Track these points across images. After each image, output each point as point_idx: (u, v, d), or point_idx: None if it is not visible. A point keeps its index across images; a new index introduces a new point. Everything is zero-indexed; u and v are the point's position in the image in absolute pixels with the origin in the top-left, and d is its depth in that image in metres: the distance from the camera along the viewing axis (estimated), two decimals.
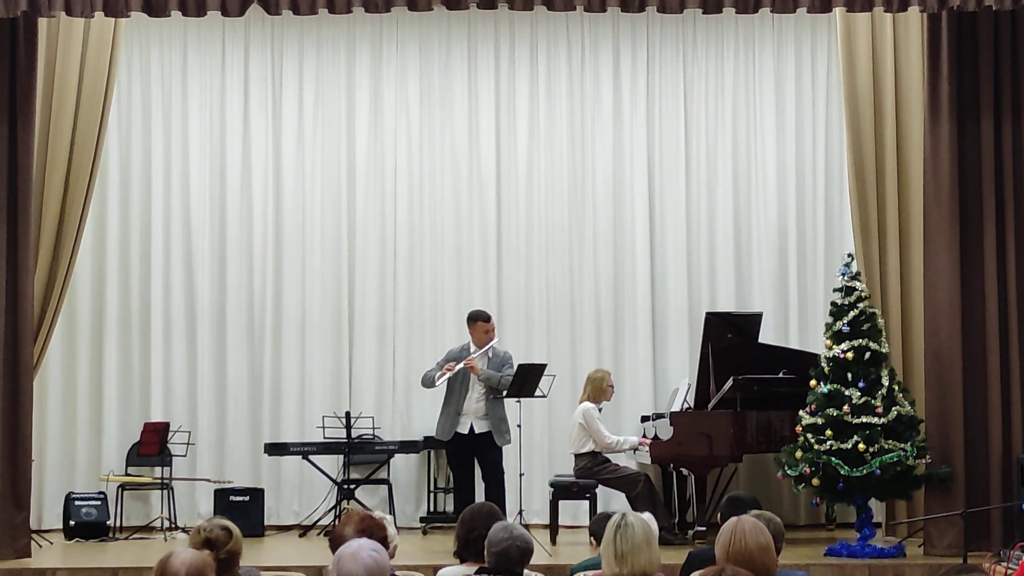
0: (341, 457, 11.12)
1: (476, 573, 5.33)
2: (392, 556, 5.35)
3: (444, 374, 10.20)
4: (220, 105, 11.71)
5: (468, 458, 10.31)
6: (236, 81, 11.74)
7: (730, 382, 10.05)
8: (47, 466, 11.16)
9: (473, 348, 10.34)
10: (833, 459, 9.14)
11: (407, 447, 11.17)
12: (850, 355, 9.32)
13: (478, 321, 10.38)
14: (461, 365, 10.18)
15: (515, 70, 11.82)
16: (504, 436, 10.21)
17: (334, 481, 11.05)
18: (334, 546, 4.72)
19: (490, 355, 10.34)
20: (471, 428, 10.22)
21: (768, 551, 4.58)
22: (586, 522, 10.31)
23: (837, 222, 11.56)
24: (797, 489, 9.66)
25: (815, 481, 9.25)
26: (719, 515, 5.93)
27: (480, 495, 10.19)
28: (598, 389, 10.40)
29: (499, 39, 11.82)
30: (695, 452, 10.02)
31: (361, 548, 4.27)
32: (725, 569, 3.89)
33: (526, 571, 5.40)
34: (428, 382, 10.38)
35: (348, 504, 10.77)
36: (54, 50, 9.98)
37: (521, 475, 10.20)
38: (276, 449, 11.09)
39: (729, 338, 10.53)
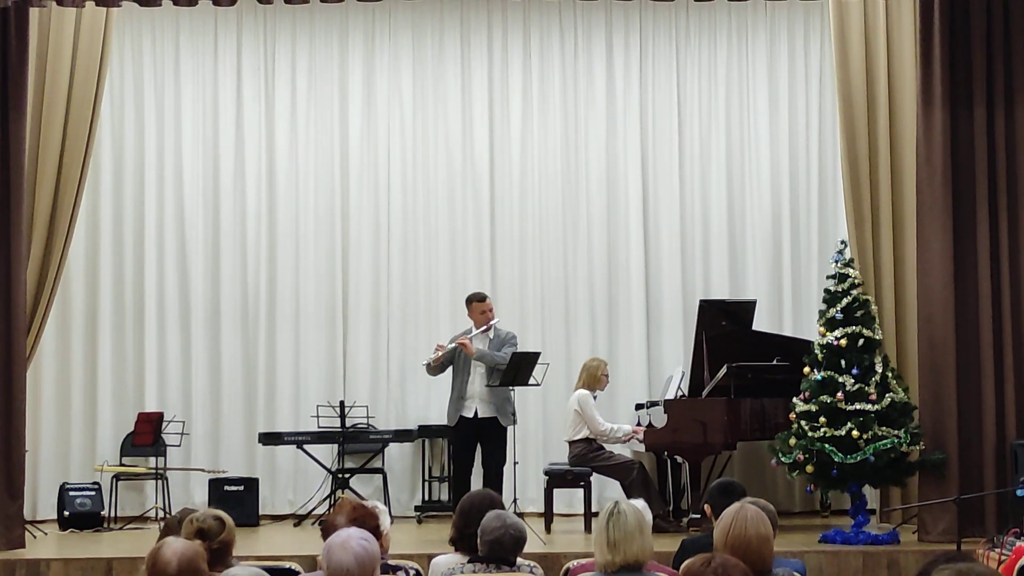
0: (336, 446, 11.14)
1: (469, 562, 5.33)
2: (385, 546, 5.35)
3: (437, 356, 10.16)
4: (213, 95, 11.70)
5: (470, 444, 10.24)
6: (229, 71, 11.73)
7: (724, 369, 10.05)
8: (41, 456, 11.16)
9: (474, 330, 10.33)
10: (827, 446, 9.14)
11: (401, 436, 11.17)
12: (844, 342, 9.31)
13: (473, 302, 10.36)
14: (451, 344, 10.16)
15: (508, 58, 11.82)
16: (509, 417, 10.14)
17: (329, 471, 11.05)
18: (326, 535, 4.71)
19: (491, 336, 10.31)
20: (476, 412, 10.18)
21: (767, 542, 4.58)
22: (580, 510, 10.35)
23: (830, 209, 11.57)
24: (791, 476, 9.67)
25: (809, 468, 9.25)
26: (707, 504, 5.91)
27: (476, 483, 10.15)
28: (593, 377, 10.40)
29: (492, 27, 11.82)
30: (689, 439, 10.02)
31: (350, 537, 4.27)
32: (715, 557, 3.89)
33: (519, 559, 5.40)
34: (427, 370, 10.35)
35: (343, 493, 10.76)
36: (46, 40, 9.94)
37: (515, 463, 10.18)
38: (270, 439, 11.08)
39: (723, 325, 10.53)
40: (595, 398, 10.37)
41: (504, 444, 10.15)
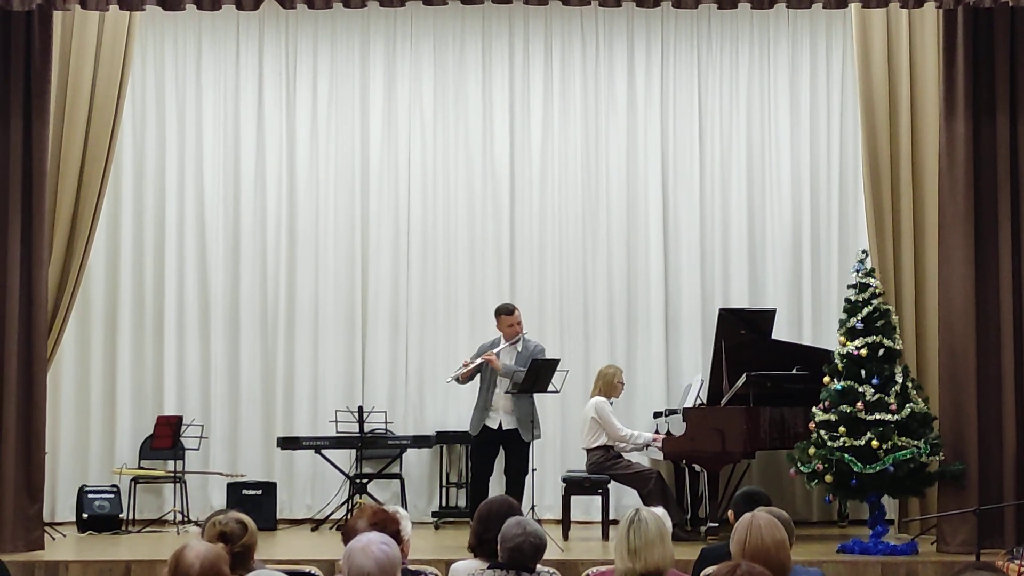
0: (354, 451, 11.13)
1: (489, 568, 5.32)
2: (406, 552, 5.35)
3: (464, 372, 10.13)
4: (234, 99, 11.73)
5: (490, 453, 10.19)
6: (250, 75, 11.75)
7: (743, 378, 10.02)
8: (60, 459, 11.20)
9: (502, 342, 10.30)
10: (846, 456, 9.12)
11: (420, 441, 11.18)
12: (864, 352, 9.29)
13: (501, 315, 10.29)
14: (479, 360, 10.12)
15: (529, 65, 11.81)
16: (531, 432, 10.07)
17: (346, 475, 11.06)
18: (346, 540, 4.71)
19: (519, 348, 10.27)
20: (500, 424, 10.14)
21: (784, 547, 4.57)
22: (598, 517, 10.33)
23: (851, 218, 11.54)
24: (810, 486, 9.65)
25: (828, 478, 9.22)
26: (731, 512, 5.90)
27: (494, 491, 10.11)
28: (609, 385, 10.38)
29: (513, 34, 11.82)
30: (708, 448, 9.99)
31: (371, 542, 4.26)
32: (740, 565, 3.88)
33: (539, 566, 5.39)
34: (454, 381, 10.33)
35: (361, 498, 10.78)
36: (69, 43, 9.97)
37: (533, 470, 10.17)
38: (289, 443, 11.10)
39: (742, 334, 10.51)
40: (611, 405, 10.35)
41: (526, 456, 10.07)
